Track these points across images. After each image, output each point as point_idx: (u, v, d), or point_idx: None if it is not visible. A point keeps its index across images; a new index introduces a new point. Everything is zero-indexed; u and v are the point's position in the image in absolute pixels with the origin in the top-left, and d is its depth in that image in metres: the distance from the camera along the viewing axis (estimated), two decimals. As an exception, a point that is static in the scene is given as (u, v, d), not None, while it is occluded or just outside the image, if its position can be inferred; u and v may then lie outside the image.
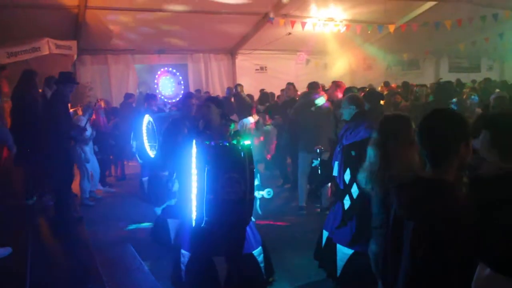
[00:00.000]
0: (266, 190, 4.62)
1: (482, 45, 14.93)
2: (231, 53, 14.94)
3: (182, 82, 14.37)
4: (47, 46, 9.52)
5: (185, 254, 4.27)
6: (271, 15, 11.69)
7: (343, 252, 4.35)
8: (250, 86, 13.11)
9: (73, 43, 10.66)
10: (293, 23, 11.82)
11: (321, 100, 6.93)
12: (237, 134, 4.48)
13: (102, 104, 9.61)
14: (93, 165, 8.26)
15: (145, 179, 8.14)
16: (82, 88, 12.02)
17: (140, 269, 5.06)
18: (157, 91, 13.52)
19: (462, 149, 2.02)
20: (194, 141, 4.00)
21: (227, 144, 4.09)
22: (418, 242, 1.98)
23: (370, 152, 2.98)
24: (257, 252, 4.29)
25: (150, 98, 8.96)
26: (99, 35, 11.71)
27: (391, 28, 12.58)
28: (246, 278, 4.20)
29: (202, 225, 3.88)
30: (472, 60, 18.97)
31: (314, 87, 7.45)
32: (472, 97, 9.24)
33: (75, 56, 11.40)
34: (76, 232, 6.12)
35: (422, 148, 2.12)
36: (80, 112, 8.54)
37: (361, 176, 3.06)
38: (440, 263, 1.95)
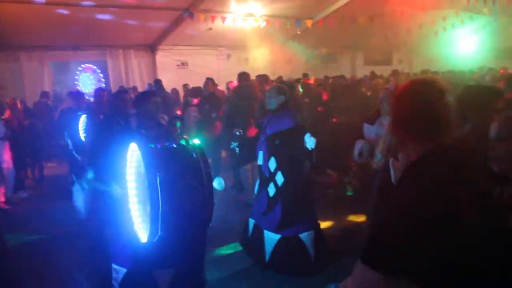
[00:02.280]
0: (216, 179, 4.15)
1: (393, 40, 15.87)
2: (151, 49, 14.69)
3: (103, 79, 13.94)
4: None
5: (118, 270, 3.72)
6: (191, 10, 11.66)
7: (271, 237, 4.51)
8: (172, 82, 12.97)
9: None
10: (213, 18, 11.88)
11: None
12: (182, 133, 3.96)
13: (19, 104, 9.14)
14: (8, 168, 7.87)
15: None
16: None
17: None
18: (78, 88, 13.01)
19: None
20: (133, 143, 3.42)
21: (175, 145, 3.57)
22: None
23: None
24: None
25: (78, 95, 8.71)
26: (9, 31, 11.05)
27: (309, 23, 13.03)
28: None
29: (154, 241, 3.31)
30: (385, 53, 20.04)
31: (245, 78, 7.42)
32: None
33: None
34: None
35: None
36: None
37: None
38: None
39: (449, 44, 18.14)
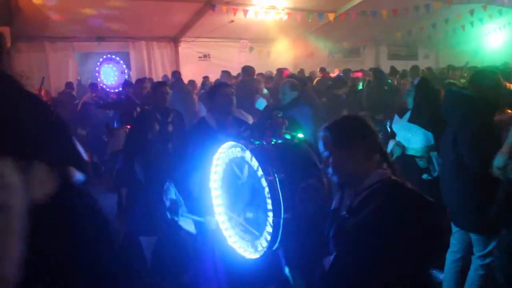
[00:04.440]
0: None
1: (418, 34, 15.62)
2: (174, 40, 14.80)
3: (126, 71, 14.01)
4: (-24, 33, 9.09)
5: None
6: (213, 2, 11.69)
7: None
8: (194, 74, 13.09)
9: (5, 30, 10.21)
10: (235, 11, 11.89)
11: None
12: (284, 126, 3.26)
13: (43, 93, 9.38)
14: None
15: None
16: (17, 77, 11.55)
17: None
18: (98, 80, 13.08)
19: None
20: (228, 144, 2.89)
21: (282, 141, 2.99)
22: None
23: None
24: None
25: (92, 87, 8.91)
26: (35, 22, 11.27)
27: (331, 16, 12.93)
28: None
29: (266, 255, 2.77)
30: (410, 48, 19.73)
31: (249, 73, 7.30)
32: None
33: (9, 44, 10.94)
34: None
35: None
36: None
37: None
38: None
39: (476, 39, 17.77)
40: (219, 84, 4.24)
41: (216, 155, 2.95)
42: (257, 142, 2.87)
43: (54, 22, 11.64)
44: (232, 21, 12.57)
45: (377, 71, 8.32)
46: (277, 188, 2.62)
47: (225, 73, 9.04)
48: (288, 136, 3.04)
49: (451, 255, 3.85)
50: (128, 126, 6.21)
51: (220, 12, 11.91)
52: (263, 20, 13.03)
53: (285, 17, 12.88)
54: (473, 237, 3.64)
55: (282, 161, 2.74)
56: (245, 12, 12.14)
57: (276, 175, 2.62)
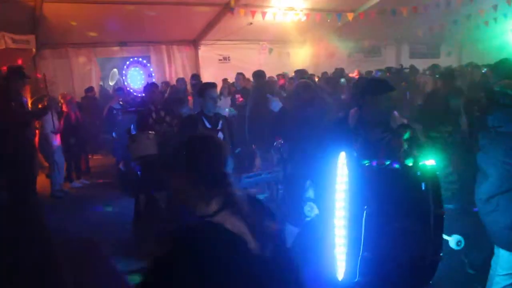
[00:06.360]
0: (454, 237, 2.67)
1: (440, 31, 15.38)
2: (194, 44, 14.95)
3: (153, 74, 14.10)
4: (3, 41, 9.40)
5: None
6: (232, 5, 11.77)
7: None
8: (215, 76, 13.13)
9: (31, 37, 10.53)
10: (253, 13, 11.95)
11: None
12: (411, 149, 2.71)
13: (60, 98, 9.64)
14: (59, 159, 8.45)
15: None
16: (42, 83, 11.86)
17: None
18: (125, 83, 13.13)
19: None
20: (343, 154, 2.54)
21: (398, 166, 2.53)
22: None
23: None
24: None
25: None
26: (58, 29, 11.55)
27: (350, 16, 12.87)
28: None
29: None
30: (432, 46, 19.43)
31: (260, 77, 7.15)
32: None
33: (34, 50, 11.25)
34: (43, 225, 6.13)
35: None
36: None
37: None
38: None
39: (501, 35, 17.36)
40: (380, 81, 3.64)
41: (341, 162, 2.57)
42: (365, 162, 2.49)
43: (76, 29, 11.89)
44: (251, 23, 12.63)
45: (391, 70, 8.28)
46: (361, 220, 2.25)
47: (240, 74, 9.15)
48: (409, 162, 2.55)
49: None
50: (150, 132, 6.23)
51: (238, 15, 12.00)
52: (282, 21, 13.06)
53: (303, 18, 12.89)
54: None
55: (382, 191, 2.36)
56: (264, 14, 12.19)
57: (364, 206, 2.25)
